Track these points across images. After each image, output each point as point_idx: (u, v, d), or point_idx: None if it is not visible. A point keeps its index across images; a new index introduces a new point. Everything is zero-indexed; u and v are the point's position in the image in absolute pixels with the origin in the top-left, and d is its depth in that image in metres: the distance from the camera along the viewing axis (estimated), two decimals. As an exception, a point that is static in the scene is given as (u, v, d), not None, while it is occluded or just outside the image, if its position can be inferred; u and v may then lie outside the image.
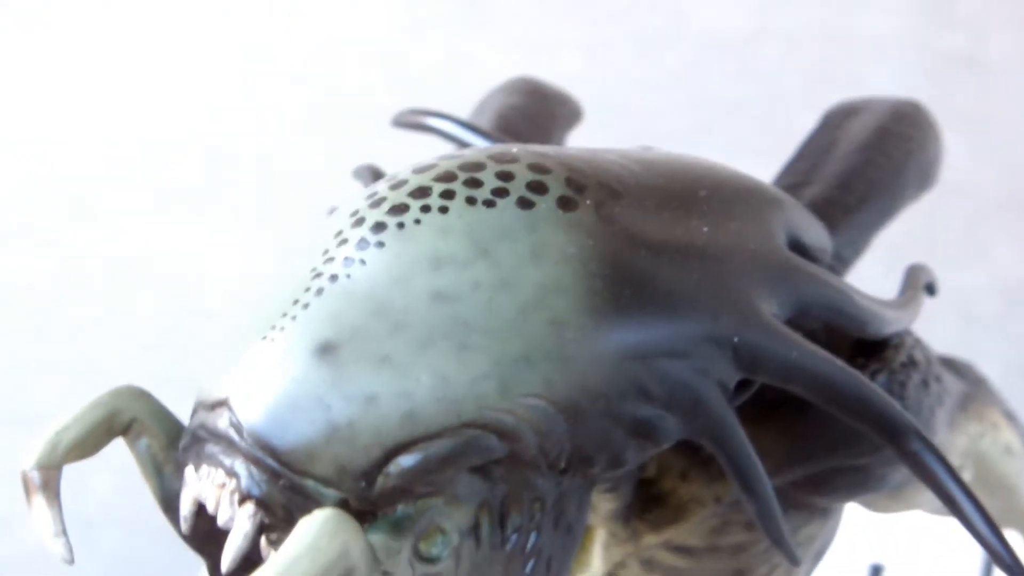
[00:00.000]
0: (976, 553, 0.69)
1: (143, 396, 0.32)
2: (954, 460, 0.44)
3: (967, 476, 0.47)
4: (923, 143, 0.44)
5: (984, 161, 0.99)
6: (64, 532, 0.31)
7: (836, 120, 0.45)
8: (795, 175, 0.43)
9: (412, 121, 0.44)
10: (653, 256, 0.32)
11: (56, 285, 0.91)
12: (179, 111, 0.92)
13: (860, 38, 0.90)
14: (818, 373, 0.33)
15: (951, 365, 0.46)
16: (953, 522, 0.67)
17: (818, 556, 0.43)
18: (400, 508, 0.29)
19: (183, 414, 0.32)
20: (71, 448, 0.31)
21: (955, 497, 0.34)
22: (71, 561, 0.31)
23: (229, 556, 0.29)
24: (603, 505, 0.37)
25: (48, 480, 0.31)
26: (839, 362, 0.34)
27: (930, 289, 0.42)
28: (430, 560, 0.30)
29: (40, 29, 0.92)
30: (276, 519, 0.29)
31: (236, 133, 0.92)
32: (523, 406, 0.30)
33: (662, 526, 0.38)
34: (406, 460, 0.29)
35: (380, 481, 0.29)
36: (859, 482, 0.38)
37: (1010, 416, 0.49)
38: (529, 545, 0.31)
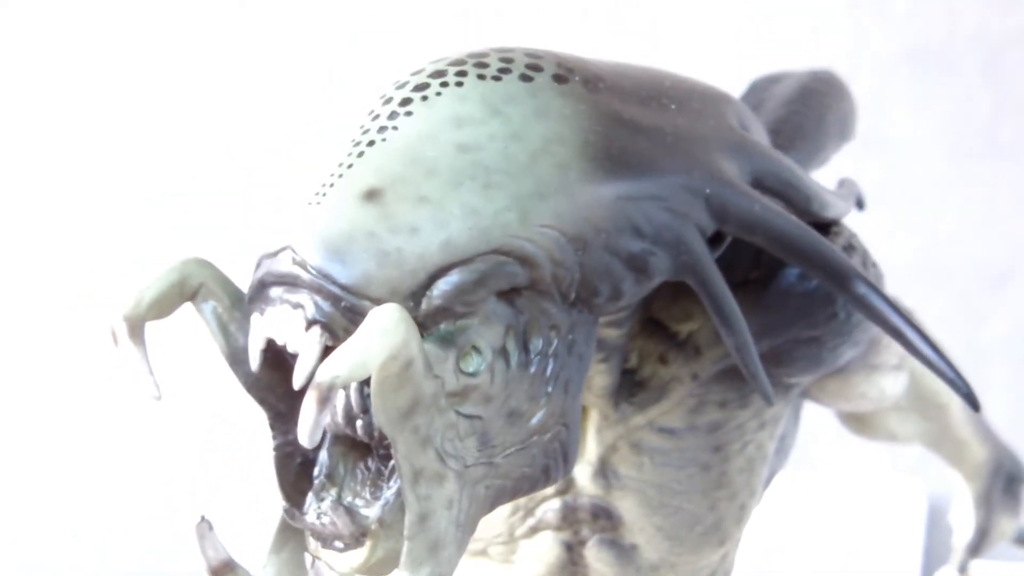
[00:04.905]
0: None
1: (209, 264, 0.37)
2: (889, 374, 0.50)
3: (903, 395, 0.53)
4: (839, 99, 0.52)
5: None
6: (151, 372, 0.36)
7: (762, 85, 0.52)
8: None
9: None
10: (633, 123, 0.38)
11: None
12: (179, 111, 0.95)
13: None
14: (778, 225, 0.39)
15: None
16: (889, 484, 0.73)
17: (783, 450, 0.49)
18: (443, 326, 0.35)
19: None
20: (152, 305, 0.36)
21: (900, 328, 0.40)
22: (159, 396, 0.35)
23: (301, 375, 0.34)
24: (596, 380, 0.42)
25: (134, 329, 0.36)
26: (794, 218, 0.40)
27: (859, 203, 0.48)
28: (469, 375, 0.35)
29: (39, 29, 0.96)
30: (339, 341, 0.34)
31: (236, 133, 0.95)
32: (540, 234, 0.36)
33: (647, 406, 0.44)
34: (446, 282, 0.35)
35: (425, 302, 0.35)
36: (815, 355, 0.44)
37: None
38: (549, 370, 0.37)
